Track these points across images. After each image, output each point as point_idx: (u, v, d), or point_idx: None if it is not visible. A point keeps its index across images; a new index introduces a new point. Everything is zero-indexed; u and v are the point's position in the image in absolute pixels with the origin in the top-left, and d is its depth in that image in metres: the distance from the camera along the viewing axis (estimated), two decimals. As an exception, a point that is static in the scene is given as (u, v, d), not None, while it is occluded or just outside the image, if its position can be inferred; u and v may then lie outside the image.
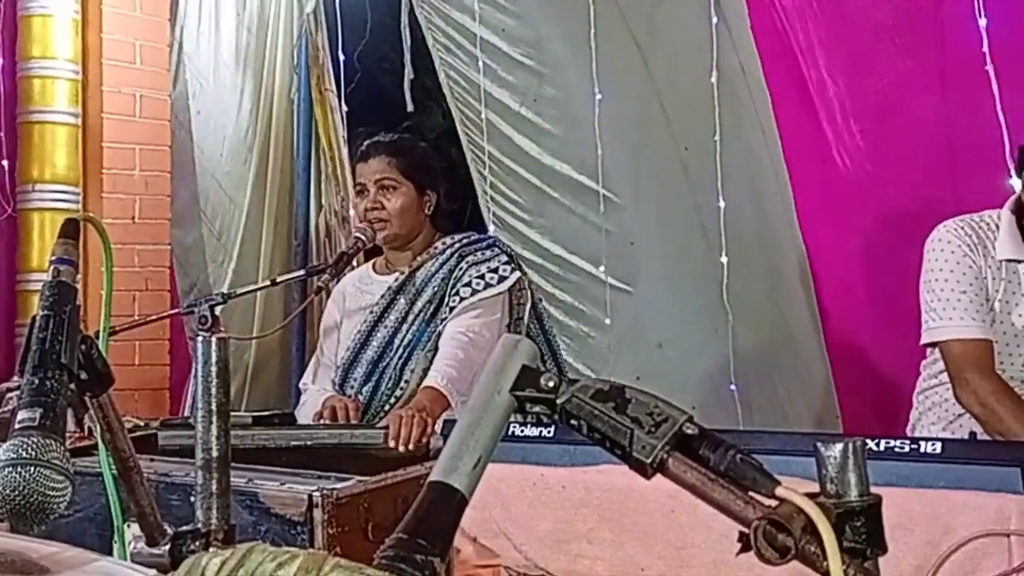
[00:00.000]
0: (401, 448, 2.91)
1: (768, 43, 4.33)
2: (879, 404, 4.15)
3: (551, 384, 1.14)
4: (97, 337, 1.40)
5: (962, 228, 2.92)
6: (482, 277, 3.53)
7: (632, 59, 4.56)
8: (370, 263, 3.82)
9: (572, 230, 4.72)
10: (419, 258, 3.63)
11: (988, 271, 2.89)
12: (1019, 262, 2.87)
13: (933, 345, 3.03)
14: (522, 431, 2.31)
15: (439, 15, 4.87)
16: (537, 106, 4.75)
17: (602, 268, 4.67)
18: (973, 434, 2.55)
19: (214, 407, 1.50)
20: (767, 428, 4.18)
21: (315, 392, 3.62)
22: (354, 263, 3.84)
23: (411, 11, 5.24)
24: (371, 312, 3.62)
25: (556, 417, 1.13)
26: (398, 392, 3.53)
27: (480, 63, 4.78)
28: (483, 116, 4.83)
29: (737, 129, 4.42)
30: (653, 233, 4.64)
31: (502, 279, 3.54)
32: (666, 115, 4.56)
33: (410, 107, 5.41)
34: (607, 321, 4.69)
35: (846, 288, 4.39)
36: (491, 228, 4.85)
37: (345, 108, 5.75)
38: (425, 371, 3.45)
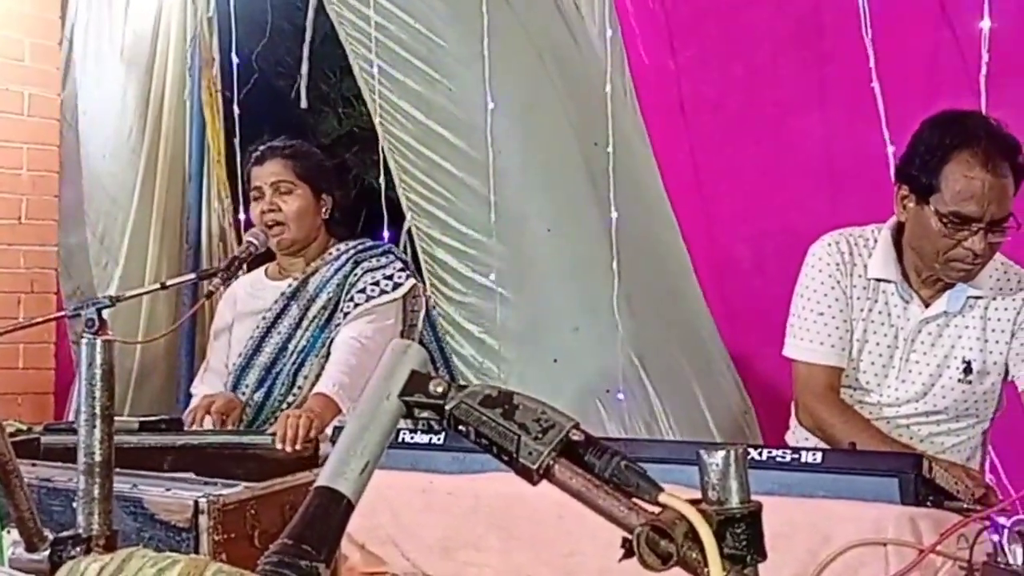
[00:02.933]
0: (288, 448, 2.88)
1: (652, 59, 4.40)
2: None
3: (440, 389, 1.14)
4: (-23, 338, 1.38)
5: (837, 244, 2.92)
6: (377, 284, 3.52)
7: (531, 65, 4.59)
8: (263, 268, 3.78)
9: (485, 215, 4.72)
10: (313, 264, 3.61)
11: (854, 290, 2.90)
12: (888, 282, 2.89)
13: None
14: (412, 438, 2.31)
15: (348, 8, 4.83)
16: (443, 100, 4.75)
17: (515, 254, 4.69)
18: (853, 444, 2.59)
19: (97, 410, 1.47)
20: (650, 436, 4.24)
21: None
22: (245, 267, 3.80)
23: (319, 9, 5.19)
24: (263, 318, 3.58)
25: (444, 423, 1.14)
26: (290, 398, 3.50)
27: (374, 50, 4.76)
28: (378, 100, 4.82)
29: (628, 142, 4.47)
30: (561, 230, 4.67)
31: (397, 286, 3.53)
32: (568, 119, 4.60)
33: (304, 103, 5.37)
34: (524, 305, 4.70)
35: (735, 301, 4.44)
36: (408, 216, 4.83)
37: (238, 111, 5.66)
38: (318, 377, 3.43)
